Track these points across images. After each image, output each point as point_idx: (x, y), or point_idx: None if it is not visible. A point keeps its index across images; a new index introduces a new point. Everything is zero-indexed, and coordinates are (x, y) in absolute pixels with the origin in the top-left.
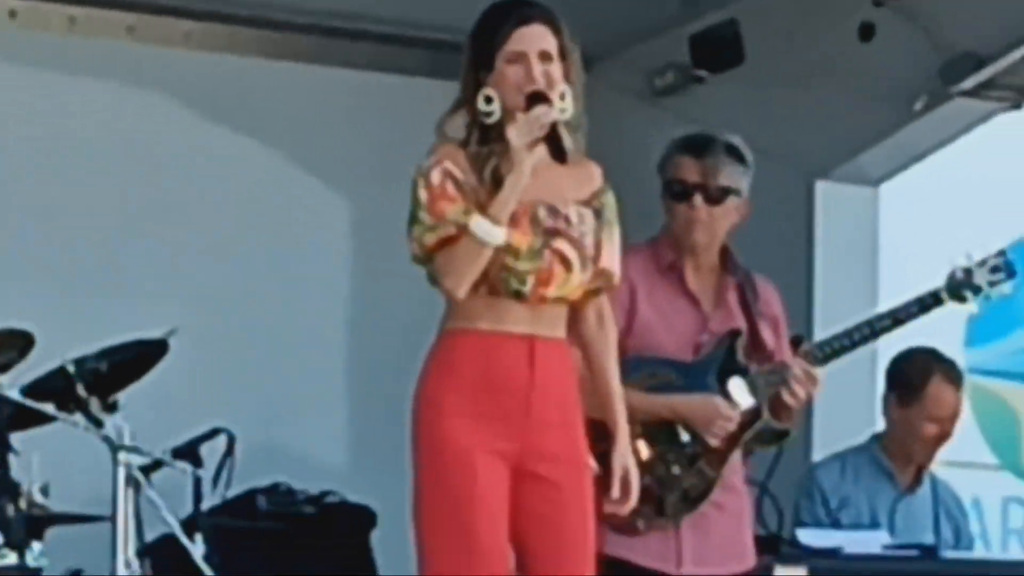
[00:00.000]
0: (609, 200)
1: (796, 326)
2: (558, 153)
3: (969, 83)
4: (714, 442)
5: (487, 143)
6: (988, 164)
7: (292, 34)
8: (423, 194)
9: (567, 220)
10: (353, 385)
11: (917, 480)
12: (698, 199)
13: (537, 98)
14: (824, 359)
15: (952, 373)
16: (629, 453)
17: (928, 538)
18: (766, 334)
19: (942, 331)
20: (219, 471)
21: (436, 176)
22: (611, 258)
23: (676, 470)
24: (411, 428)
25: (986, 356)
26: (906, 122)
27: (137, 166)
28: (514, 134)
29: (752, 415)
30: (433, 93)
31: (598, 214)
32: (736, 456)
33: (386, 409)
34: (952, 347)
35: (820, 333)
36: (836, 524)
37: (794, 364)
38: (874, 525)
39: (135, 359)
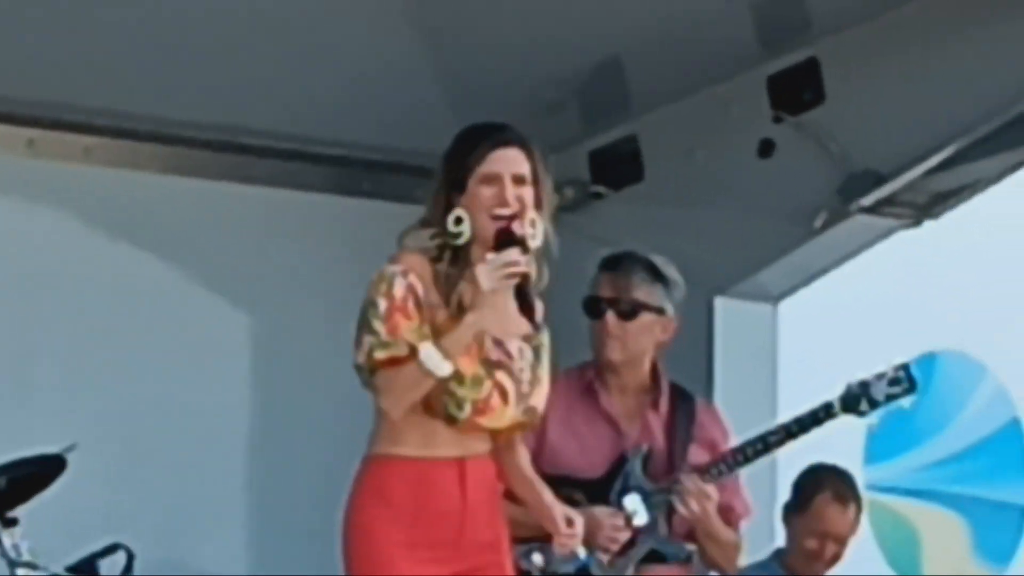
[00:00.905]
0: (546, 339)
1: None
2: (527, 310)
3: (869, 200)
4: (604, 556)
5: (457, 262)
6: (888, 282)
7: (194, 150)
8: (382, 302)
9: (508, 353)
10: (253, 502)
11: None
12: (610, 315)
13: (508, 239)
14: (718, 474)
15: (842, 491)
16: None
17: None
18: (698, 457)
19: (841, 447)
20: None
21: (400, 288)
22: (540, 397)
23: None
24: (344, 556)
25: (885, 473)
26: (806, 239)
27: (35, 281)
28: (484, 278)
29: (648, 530)
30: (336, 210)
31: (536, 352)
32: (636, 571)
33: (286, 527)
34: (852, 463)
35: None
36: None
37: (685, 479)
38: None
39: (34, 475)
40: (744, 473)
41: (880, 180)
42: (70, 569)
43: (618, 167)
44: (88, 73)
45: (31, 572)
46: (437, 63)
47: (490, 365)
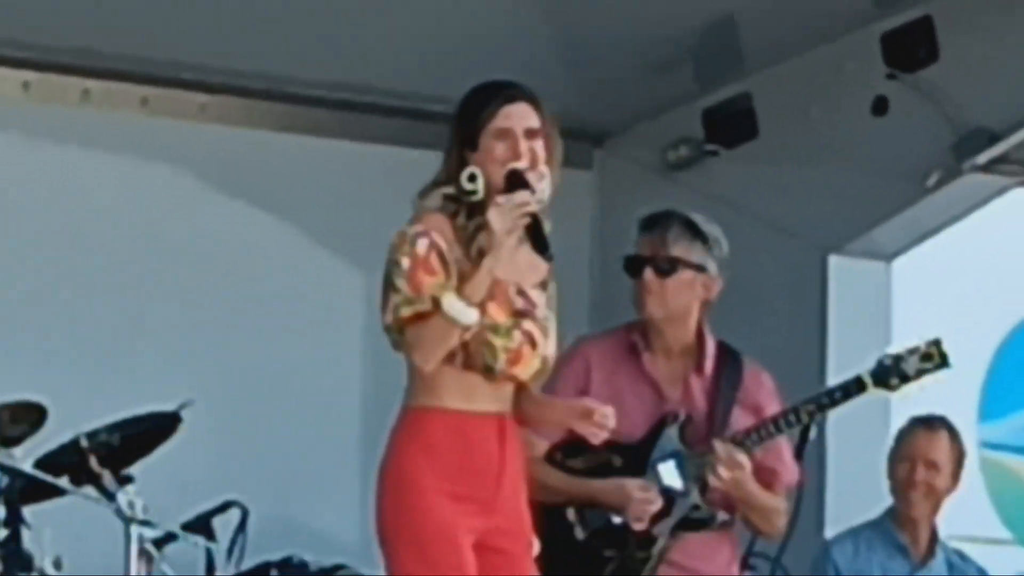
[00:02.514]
0: (554, 290)
1: None
2: (540, 246)
3: (982, 158)
4: (637, 525)
5: (473, 216)
6: (1001, 239)
7: (307, 108)
8: (405, 261)
9: (532, 302)
10: (366, 458)
11: (931, 552)
12: (648, 272)
13: (517, 180)
14: (751, 444)
15: (929, 420)
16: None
17: None
18: (741, 421)
19: (956, 406)
20: (232, 544)
21: (422, 246)
22: (552, 346)
23: (608, 552)
24: (382, 507)
25: (1000, 431)
26: (919, 197)
27: (151, 239)
28: (496, 219)
29: (682, 497)
30: None
31: (548, 300)
32: (670, 538)
33: None
34: (966, 422)
35: (831, 418)
36: None
37: (718, 447)
38: None
39: (148, 432)
40: (857, 438)
41: (994, 138)
42: (185, 527)
43: (732, 125)
44: (203, 31)
45: (146, 529)
46: (551, 22)
47: (517, 315)
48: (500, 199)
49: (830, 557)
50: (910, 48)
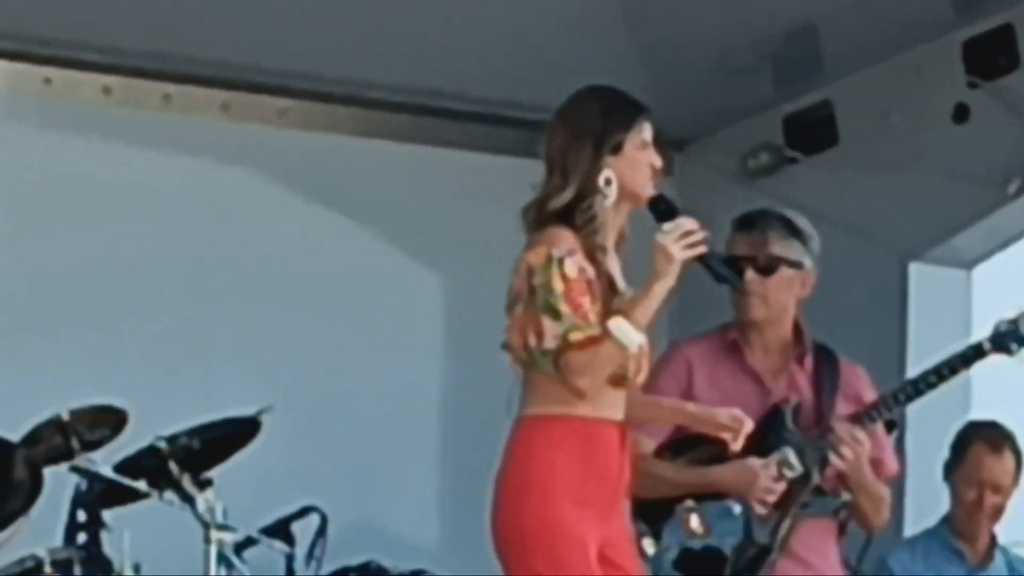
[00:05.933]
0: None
1: None
2: (723, 276)
3: None
4: (760, 509)
5: (597, 232)
6: None
7: (387, 113)
8: (559, 284)
9: None
10: (445, 463)
11: (989, 555)
12: (749, 272)
13: (667, 206)
14: (872, 420)
15: (996, 440)
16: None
17: None
18: (843, 411)
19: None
20: (311, 549)
21: (572, 268)
22: None
23: (730, 541)
24: (507, 515)
25: None
26: (1000, 204)
27: (230, 243)
28: (674, 248)
29: (801, 482)
30: (526, 172)
31: None
32: (792, 524)
33: (478, 488)
34: None
35: (912, 413)
36: None
37: (838, 426)
38: None
39: (228, 437)
40: (937, 433)
41: None
42: (264, 531)
43: (812, 132)
44: (283, 36)
45: (224, 533)
46: (632, 27)
47: None
48: (666, 226)
49: (887, 567)
50: (991, 55)
